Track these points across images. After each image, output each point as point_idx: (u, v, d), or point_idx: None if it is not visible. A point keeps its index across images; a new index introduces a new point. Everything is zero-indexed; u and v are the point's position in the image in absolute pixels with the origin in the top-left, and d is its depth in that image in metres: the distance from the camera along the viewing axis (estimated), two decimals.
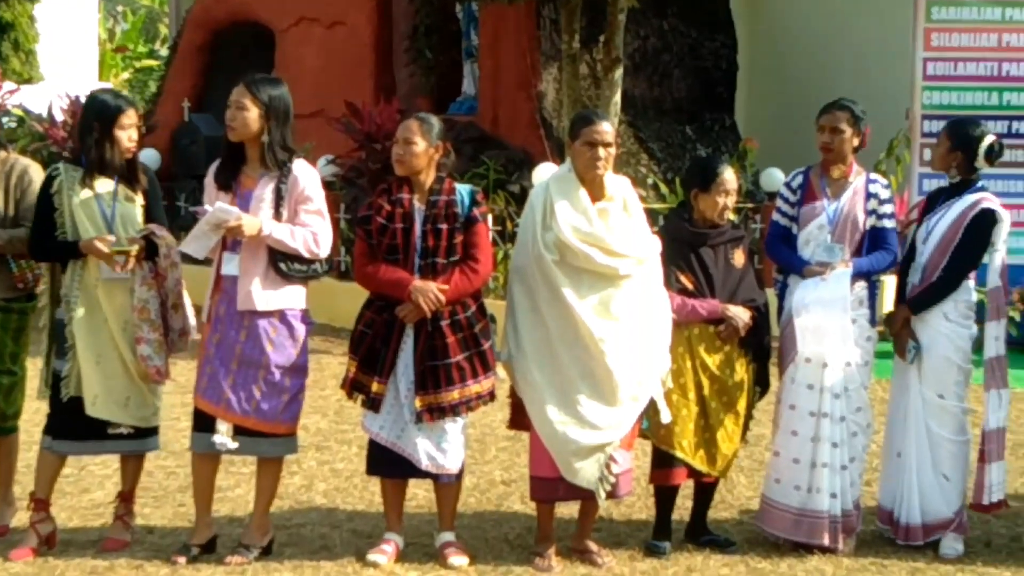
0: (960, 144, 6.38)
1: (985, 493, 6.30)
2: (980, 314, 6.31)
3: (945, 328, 6.28)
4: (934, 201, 6.50)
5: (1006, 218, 6.36)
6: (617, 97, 11.77)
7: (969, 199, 6.34)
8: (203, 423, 5.84)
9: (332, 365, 9.84)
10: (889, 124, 12.28)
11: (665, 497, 6.25)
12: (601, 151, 5.79)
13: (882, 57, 13.56)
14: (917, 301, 6.32)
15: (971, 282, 6.32)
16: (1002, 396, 6.31)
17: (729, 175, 6.21)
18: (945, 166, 6.44)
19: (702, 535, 6.33)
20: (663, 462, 6.13)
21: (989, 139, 6.38)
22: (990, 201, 6.35)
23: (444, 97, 14.08)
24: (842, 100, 6.37)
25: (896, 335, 6.33)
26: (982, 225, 6.27)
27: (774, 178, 11.77)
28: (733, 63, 15.04)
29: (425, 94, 13.89)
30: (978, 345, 6.31)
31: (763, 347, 6.33)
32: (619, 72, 11.79)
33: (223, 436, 5.75)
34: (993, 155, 6.39)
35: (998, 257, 6.33)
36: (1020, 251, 11.22)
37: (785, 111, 13.74)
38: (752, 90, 15.68)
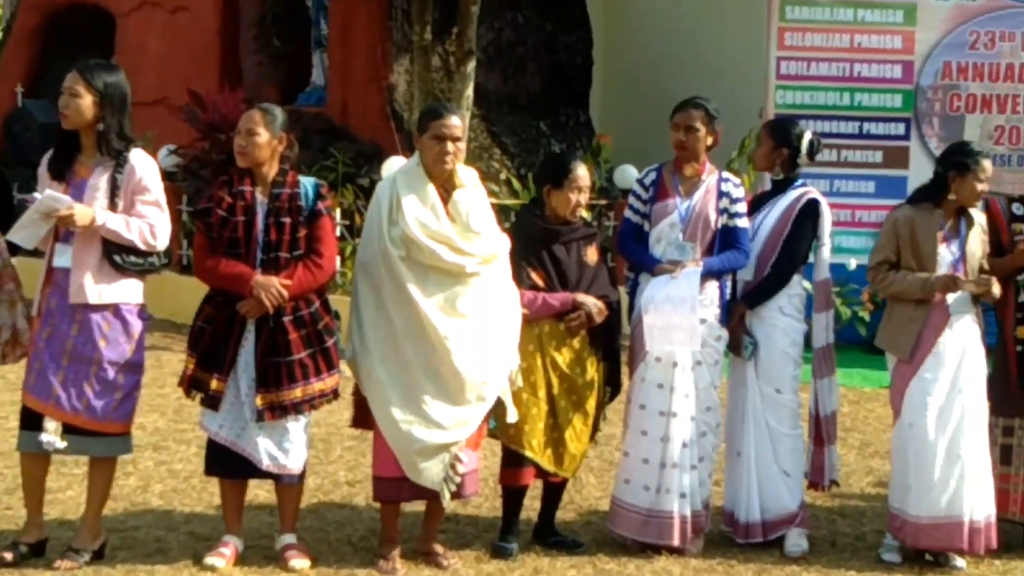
0: (783, 142, 6.52)
1: (825, 473, 6.52)
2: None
3: (781, 322, 6.41)
4: (760, 201, 6.62)
5: (828, 211, 6.55)
6: (469, 90, 11.76)
7: (794, 194, 6.51)
8: (31, 421, 5.67)
9: (172, 362, 9.65)
10: (743, 123, 12.44)
11: (513, 497, 6.26)
12: (450, 145, 5.76)
13: (736, 55, 13.73)
14: (752, 296, 6.43)
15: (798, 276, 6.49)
16: (832, 383, 6.55)
17: (582, 171, 6.24)
18: (769, 165, 6.59)
19: (550, 536, 6.35)
20: (513, 462, 6.13)
21: (808, 136, 6.58)
22: (814, 194, 6.53)
23: (292, 87, 13.94)
24: (696, 98, 6.42)
25: (731, 332, 6.42)
26: (810, 216, 6.43)
27: (628, 175, 11.85)
28: (588, 59, 15.12)
29: (272, 84, 13.74)
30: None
31: (614, 347, 6.37)
32: (472, 65, 11.78)
33: (51, 435, 5.59)
34: (813, 151, 6.57)
35: (825, 250, 6.52)
36: (868, 251, 11.43)
37: (640, 108, 13.86)
38: (607, 86, 15.78)
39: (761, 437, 6.39)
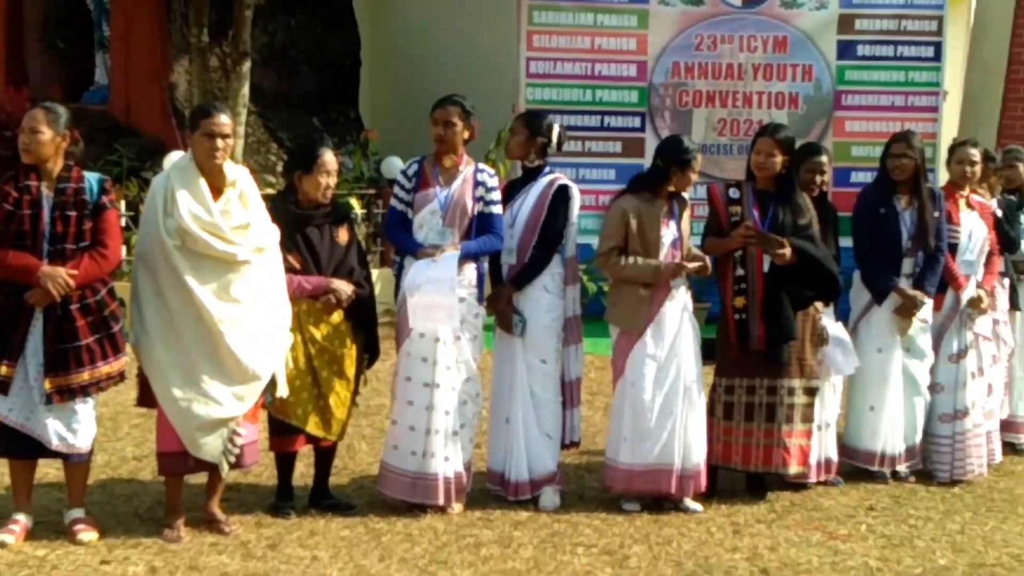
0: (537, 133, 6.61)
1: (567, 433, 6.65)
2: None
3: (545, 299, 6.51)
4: (512, 189, 6.70)
5: (577, 194, 6.67)
6: (245, 89, 11.57)
7: (545, 180, 6.60)
8: None
9: None
10: (498, 117, 12.55)
11: (285, 463, 6.25)
12: (219, 142, 5.67)
13: (491, 56, 13.84)
14: (520, 278, 6.49)
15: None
16: (578, 350, 6.68)
17: (329, 157, 6.21)
18: (524, 154, 6.66)
19: (325, 499, 6.33)
20: (280, 430, 6.13)
21: (557, 127, 6.69)
22: (564, 179, 6.64)
23: (77, 86, 13.50)
24: (454, 96, 6.45)
25: (501, 312, 6.49)
26: (562, 200, 6.53)
27: (394, 166, 11.86)
28: (357, 59, 15.08)
29: (57, 83, 13.30)
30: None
31: (369, 317, 6.38)
32: (247, 65, 11.60)
33: None
34: (561, 141, 6.71)
35: (574, 230, 6.63)
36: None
37: (405, 104, 13.84)
38: (375, 85, 15.75)
39: (527, 404, 6.49)
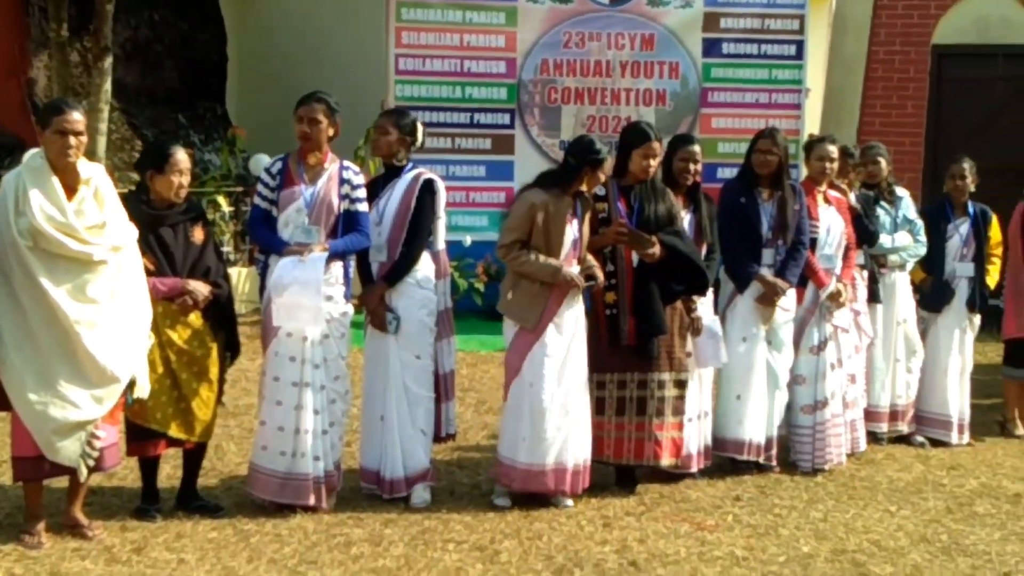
0: (407, 132, 6.59)
1: (443, 426, 6.65)
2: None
3: (418, 295, 6.49)
4: (376, 186, 6.65)
5: (443, 188, 6.66)
6: (107, 85, 11.29)
7: (410, 176, 6.58)
8: None
9: None
10: (367, 114, 12.46)
11: (149, 466, 6.15)
12: (72, 139, 5.52)
13: (360, 53, 13.76)
14: (392, 275, 6.45)
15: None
16: (451, 344, 6.68)
17: (182, 155, 6.11)
18: (394, 152, 6.60)
19: (193, 501, 6.23)
20: (138, 435, 6.01)
21: (420, 126, 6.69)
22: (429, 174, 6.63)
23: None
24: (318, 93, 6.37)
25: (374, 311, 6.45)
26: (428, 194, 6.51)
27: (262, 163, 11.62)
28: (223, 55, 14.87)
29: None
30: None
31: (228, 315, 6.29)
32: (109, 61, 11.32)
33: None
34: (423, 140, 6.73)
35: (441, 224, 6.62)
36: (482, 228, 11.74)
37: (272, 101, 13.53)
38: (242, 81, 15.55)
39: (401, 401, 6.45)
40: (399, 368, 6.46)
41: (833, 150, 7.52)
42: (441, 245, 6.65)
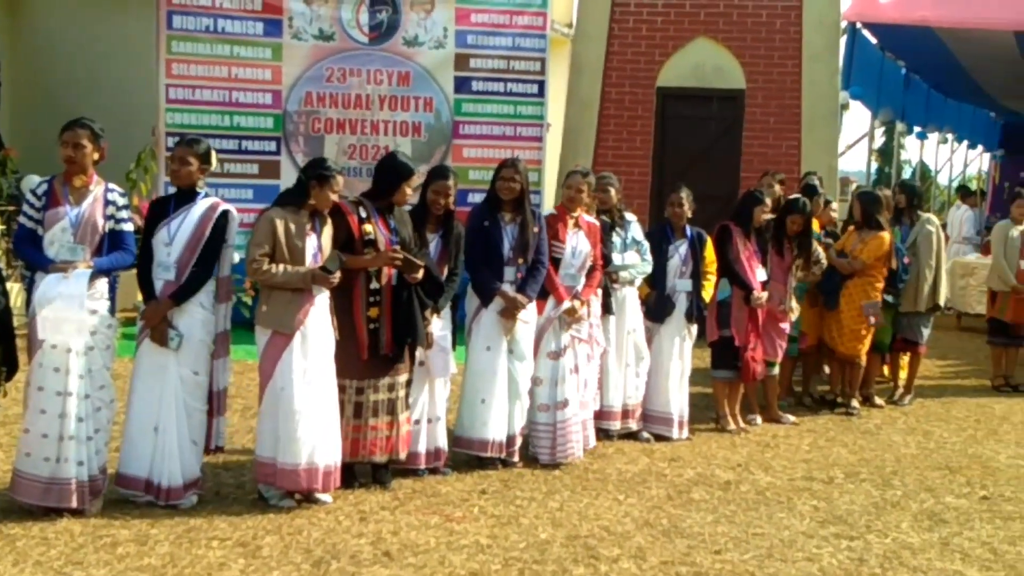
0: (205, 160, 6.45)
1: (213, 439, 6.51)
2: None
3: (200, 315, 6.35)
4: (161, 206, 6.49)
5: (236, 218, 6.55)
6: None
7: (206, 203, 6.43)
8: None
9: None
10: (139, 139, 12.20)
11: None
12: None
13: (133, 80, 13.42)
14: (180, 294, 6.28)
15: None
16: (227, 363, 6.55)
17: None
18: (194, 181, 6.43)
19: None
20: None
21: (213, 152, 6.57)
22: (225, 205, 6.49)
23: None
24: (83, 118, 6.22)
25: (156, 327, 6.25)
26: (225, 223, 6.40)
27: (34, 183, 11.19)
28: None
29: None
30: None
31: (6, 329, 6.01)
32: None
33: None
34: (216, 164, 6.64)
35: (230, 252, 6.47)
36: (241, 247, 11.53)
37: (46, 123, 12.97)
38: (15, 103, 14.93)
39: (180, 413, 6.29)
40: (177, 383, 6.29)
41: (582, 181, 7.69)
42: (227, 271, 6.49)
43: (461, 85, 12.25)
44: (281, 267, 6.30)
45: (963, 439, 8.94)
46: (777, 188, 10.13)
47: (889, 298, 9.82)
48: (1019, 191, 12.50)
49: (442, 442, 7.20)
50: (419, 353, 6.90)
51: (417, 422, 7.03)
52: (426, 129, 12.20)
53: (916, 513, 6.82)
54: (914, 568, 5.86)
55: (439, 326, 7.04)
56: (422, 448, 7.07)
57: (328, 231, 6.53)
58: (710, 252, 8.62)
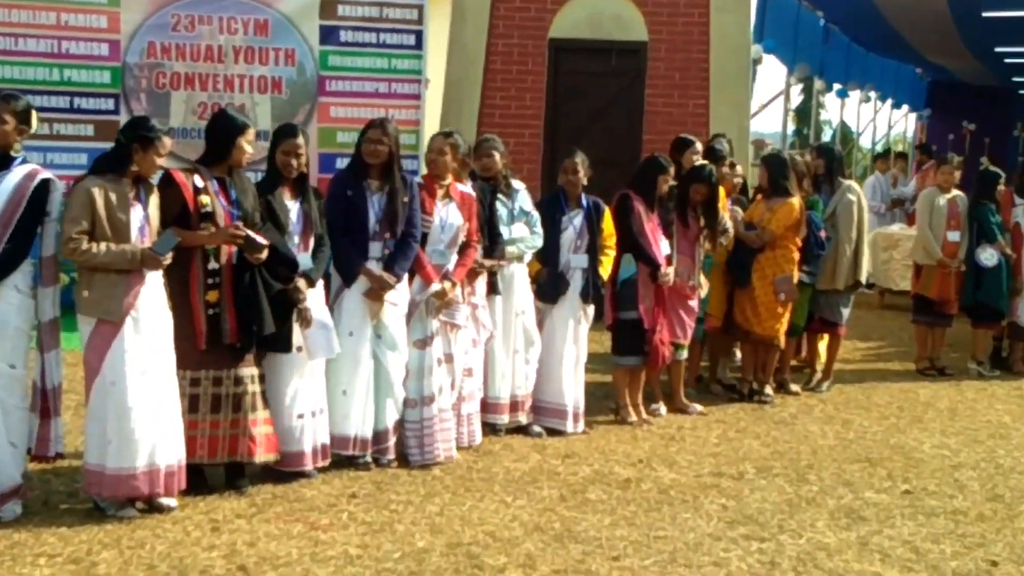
0: (23, 119, 6.31)
1: (51, 445, 6.40)
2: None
3: (16, 299, 6.21)
4: None
5: (61, 186, 6.42)
6: None
7: (23, 171, 6.28)
8: None
9: None
10: None
11: None
12: None
13: None
14: None
15: None
16: (58, 356, 6.44)
17: None
18: (10, 143, 6.28)
19: None
20: None
21: (34, 112, 6.42)
22: (44, 172, 6.34)
23: None
24: None
25: None
26: (46, 194, 6.26)
27: None
28: None
29: None
30: None
31: None
32: None
33: None
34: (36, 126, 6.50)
35: (53, 226, 6.32)
36: None
37: None
38: None
39: None
40: None
41: (445, 145, 7.63)
42: (51, 250, 6.34)
43: (328, 35, 12.18)
44: (103, 246, 6.16)
45: (885, 428, 9.17)
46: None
47: (805, 277, 9.96)
48: (946, 156, 12.83)
49: (327, 437, 7.18)
50: (296, 336, 6.84)
51: (300, 416, 6.98)
52: (287, 85, 12.10)
53: (833, 510, 6.98)
54: (830, 571, 6.00)
55: (317, 301, 6.97)
56: (307, 446, 7.02)
57: (155, 200, 6.41)
58: (608, 224, 8.63)
